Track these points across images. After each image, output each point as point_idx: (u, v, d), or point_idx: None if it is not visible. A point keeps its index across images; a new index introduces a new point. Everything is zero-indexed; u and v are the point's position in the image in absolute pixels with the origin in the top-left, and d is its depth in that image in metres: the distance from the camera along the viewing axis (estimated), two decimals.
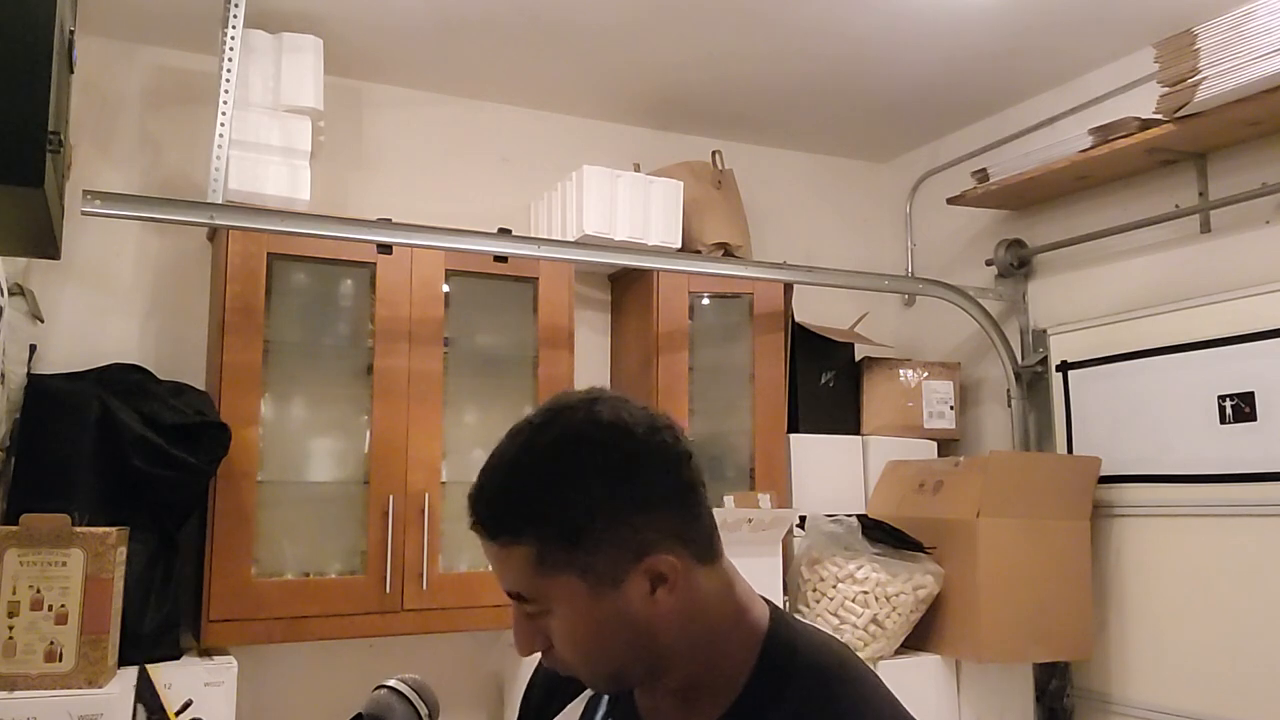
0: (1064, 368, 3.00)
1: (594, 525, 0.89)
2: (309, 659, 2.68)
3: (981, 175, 3.05)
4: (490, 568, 0.96)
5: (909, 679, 2.64)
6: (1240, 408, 2.53)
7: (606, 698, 1.04)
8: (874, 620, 2.63)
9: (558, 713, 1.07)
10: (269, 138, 2.54)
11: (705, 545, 0.95)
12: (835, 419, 3.15)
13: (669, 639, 0.93)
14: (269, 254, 2.49)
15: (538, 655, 0.97)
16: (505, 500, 0.92)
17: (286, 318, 2.58)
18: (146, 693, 1.13)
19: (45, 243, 1.51)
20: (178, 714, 1.14)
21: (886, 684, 0.98)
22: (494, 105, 3.16)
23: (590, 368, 3.08)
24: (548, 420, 0.94)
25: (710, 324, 3.05)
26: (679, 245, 2.94)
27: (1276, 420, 2.46)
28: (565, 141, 3.22)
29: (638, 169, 3.05)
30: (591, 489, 0.90)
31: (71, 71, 1.50)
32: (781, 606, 1.03)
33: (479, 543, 0.94)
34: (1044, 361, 3.07)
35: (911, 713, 0.95)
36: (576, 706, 1.06)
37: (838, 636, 1.25)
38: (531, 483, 0.91)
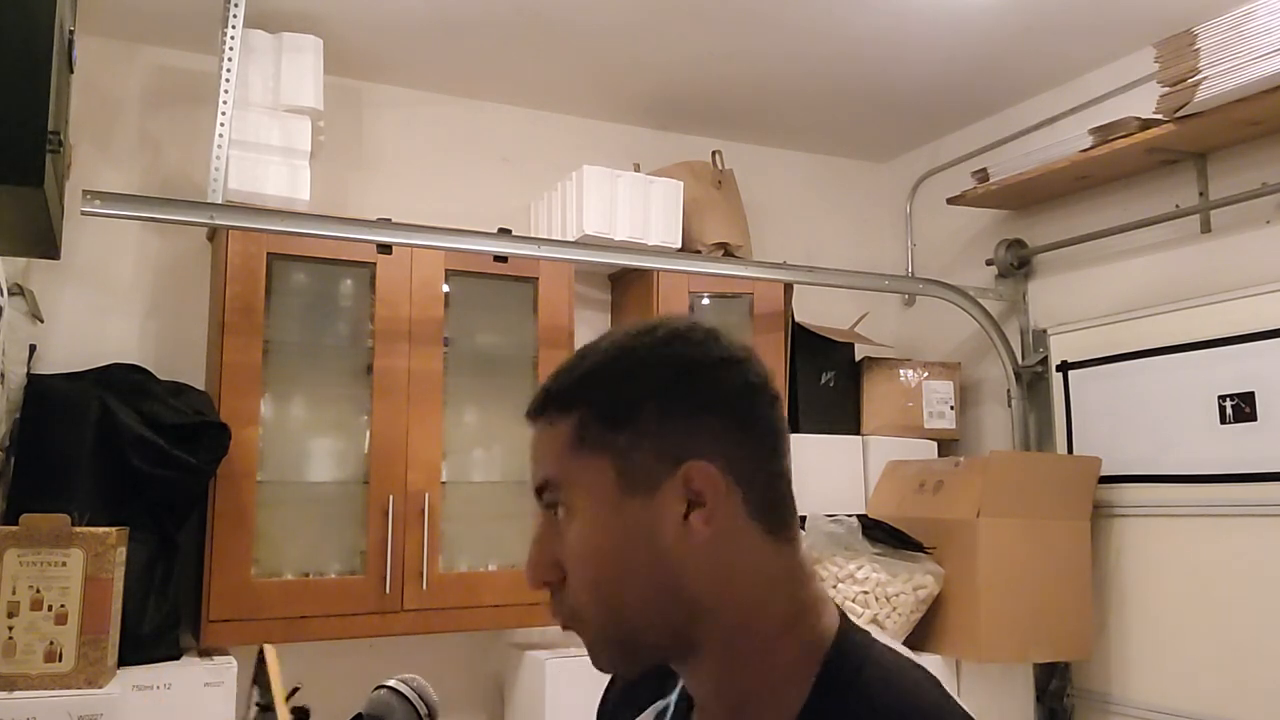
0: (1064, 368, 3.00)
1: (643, 410, 0.81)
2: (309, 659, 2.68)
3: (981, 175, 3.05)
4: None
5: None
6: (1240, 408, 2.53)
7: (671, 713, 0.92)
8: (874, 620, 2.63)
9: None
10: (269, 138, 2.54)
11: (771, 508, 0.84)
12: (835, 419, 3.15)
13: (698, 591, 0.80)
14: (269, 254, 2.49)
15: (604, 680, 0.86)
16: (570, 374, 0.85)
17: (286, 318, 2.58)
18: (260, 674, 1.12)
19: (45, 243, 1.51)
20: (287, 699, 1.14)
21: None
22: (494, 105, 3.16)
23: None
24: (650, 320, 0.89)
25: (710, 324, 3.04)
26: (679, 245, 2.94)
27: (1276, 420, 2.46)
28: (565, 141, 3.22)
29: (638, 169, 3.05)
30: (656, 373, 0.83)
31: (71, 71, 1.50)
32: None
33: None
34: (1044, 361, 3.07)
35: None
36: None
37: None
38: (601, 358, 0.85)
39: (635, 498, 0.80)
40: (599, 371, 0.84)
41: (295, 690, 1.16)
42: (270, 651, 1.17)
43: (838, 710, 0.78)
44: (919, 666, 0.83)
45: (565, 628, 0.84)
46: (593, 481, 0.81)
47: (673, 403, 0.82)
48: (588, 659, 0.85)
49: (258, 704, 1.14)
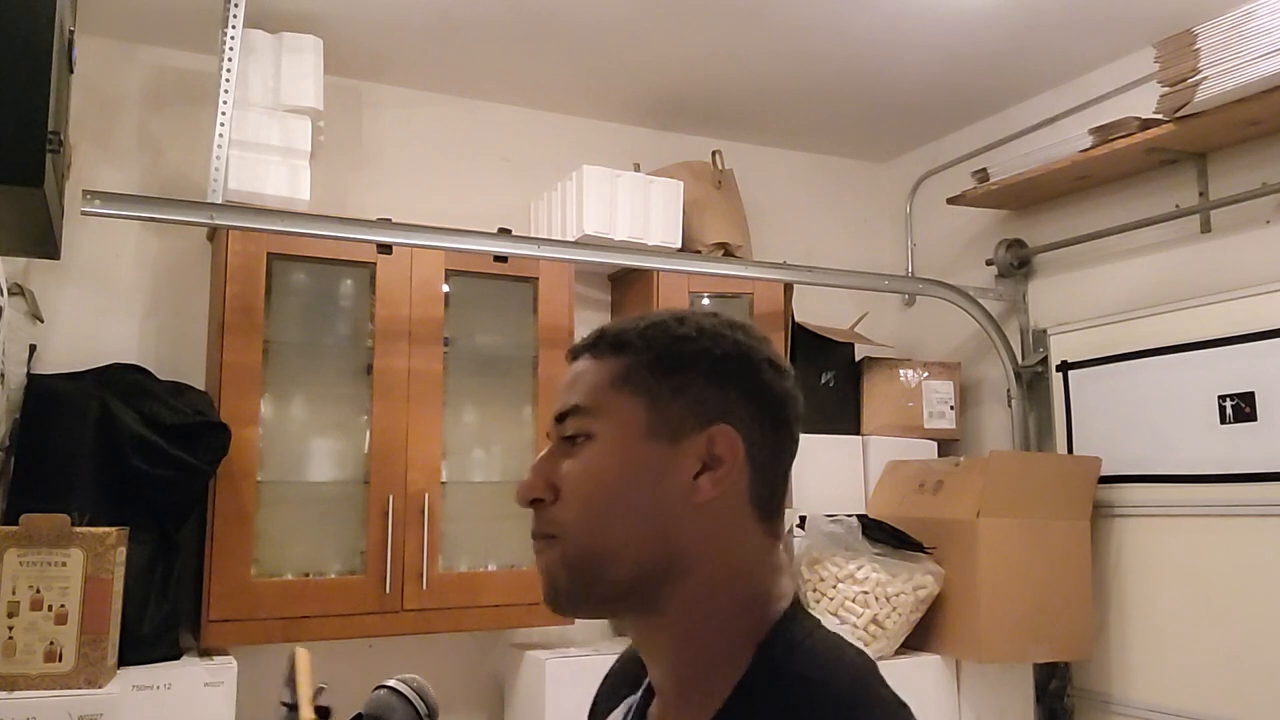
0: (1064, 368, 3.00)
1: (694, 369, 0.87)
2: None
3: (981, 175, 3.05)
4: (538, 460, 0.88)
5: (909, 679, 2.64)
6: (1240, 408, 2.53)
7: (635, 707, 0.93)
8: (874, 620, 2.63)
9: None
10: (269, 138, 2.54)
11: (769, 499, 0.88)
12: (835, 419, 3.15)
13: (681, 546, 0.84)
14: (269, 254, 2.49)
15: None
16: (631, 324, 0.91)
17: (286, 318, 2.58)
18: (291, 675, 1.12)
19: (45, 243, 1.51)
20: (314, 698, 1.14)
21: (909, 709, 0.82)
22: (494, 105, 3.16)
23: None
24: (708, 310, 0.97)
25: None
26: (679, 245, 2.94)
27: (1276, 420, 2.46)
28: (565, 141, 3.22)
29: (638, 169, 3.05)
30: (716, 343, 0.89)
31: (71, 71, 1.50)
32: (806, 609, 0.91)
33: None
34: (1044, 361, 3.07)
35: None
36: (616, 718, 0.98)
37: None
38: (664, 317, 0.91)
39: (657, 443, 0.85)
40: (661, 325, 0.90)
41: (321, 689, 1.16)
42: (302, 654, 1.18)
43: (768, 690, 0.81)
44: (858, 652, 0.86)
45: (536, 540, 0.88)
46: (623, 417, 0.86)
47: (722, 375, 0.87)
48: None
49: (284, 704, 1.15)
